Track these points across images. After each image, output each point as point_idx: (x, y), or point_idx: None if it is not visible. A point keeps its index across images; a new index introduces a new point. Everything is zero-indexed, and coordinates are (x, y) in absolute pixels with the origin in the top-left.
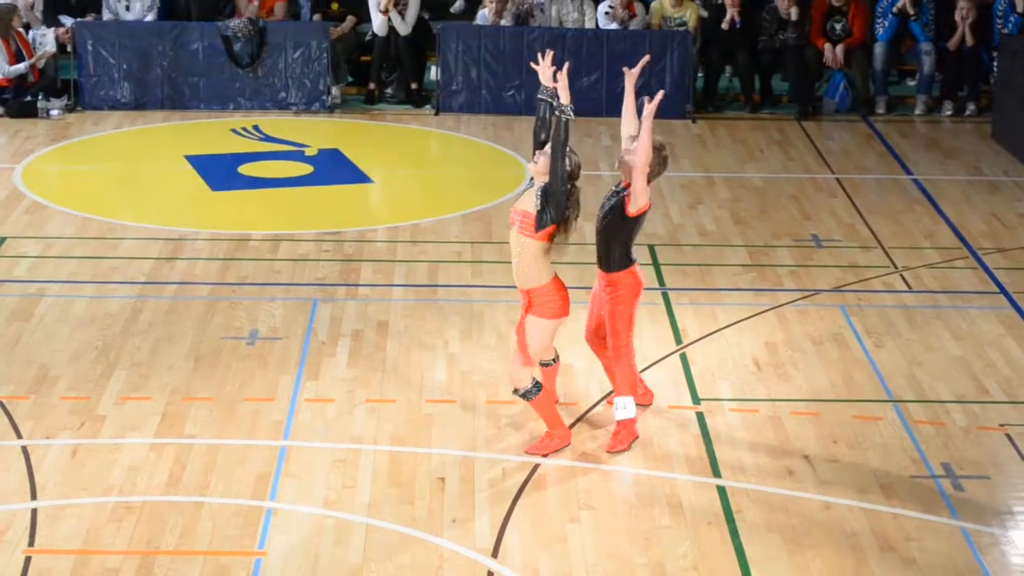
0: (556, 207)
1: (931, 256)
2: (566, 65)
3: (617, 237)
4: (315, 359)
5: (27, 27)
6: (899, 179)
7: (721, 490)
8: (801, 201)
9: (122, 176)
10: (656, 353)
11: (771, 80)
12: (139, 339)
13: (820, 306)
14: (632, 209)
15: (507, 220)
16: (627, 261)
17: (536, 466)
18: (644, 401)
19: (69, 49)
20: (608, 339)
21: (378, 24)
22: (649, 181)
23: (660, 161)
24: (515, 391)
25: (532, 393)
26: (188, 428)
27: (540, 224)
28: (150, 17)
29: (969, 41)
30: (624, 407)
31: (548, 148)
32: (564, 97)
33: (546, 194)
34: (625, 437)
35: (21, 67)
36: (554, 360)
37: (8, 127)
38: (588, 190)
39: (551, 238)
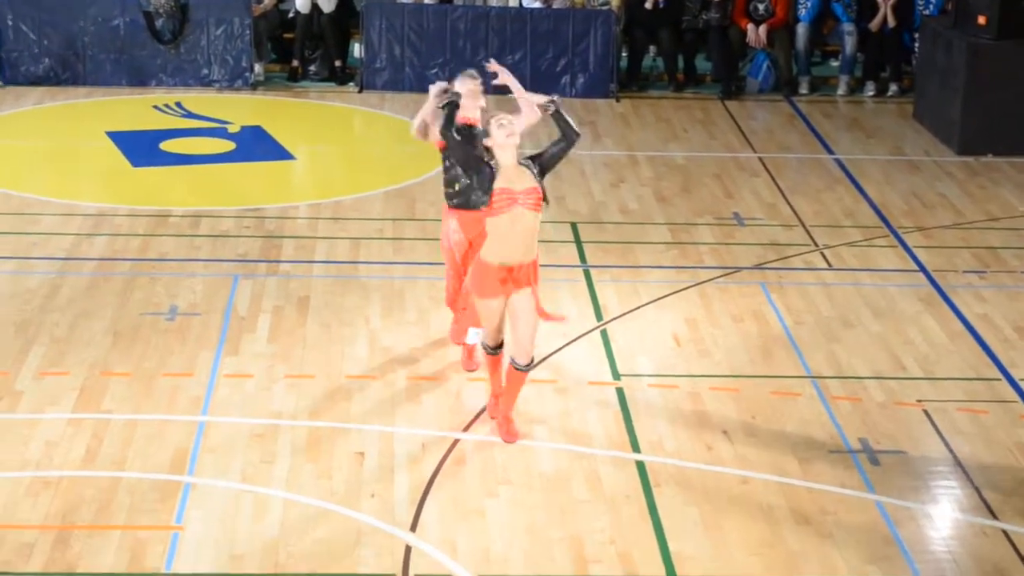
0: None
1: (852, 234)
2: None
3: None
4: (235, 335)
5: None
6: (821, 158)
7: (640, 465)
8: (723, 180)
9: (43, 152)
10: (577, 329)
11: (695, 60)
12: (58, 315)
13: (741, 283)
14: None
15: (496, 201)
16: None
17: (456, 441)
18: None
19: None
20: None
21: (301, 1)
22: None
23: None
24: (529, 364)
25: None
26: (106, 403)
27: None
28: None
29: (891, 22)
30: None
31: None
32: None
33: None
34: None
35: None
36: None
37: None
38: None
39: None
